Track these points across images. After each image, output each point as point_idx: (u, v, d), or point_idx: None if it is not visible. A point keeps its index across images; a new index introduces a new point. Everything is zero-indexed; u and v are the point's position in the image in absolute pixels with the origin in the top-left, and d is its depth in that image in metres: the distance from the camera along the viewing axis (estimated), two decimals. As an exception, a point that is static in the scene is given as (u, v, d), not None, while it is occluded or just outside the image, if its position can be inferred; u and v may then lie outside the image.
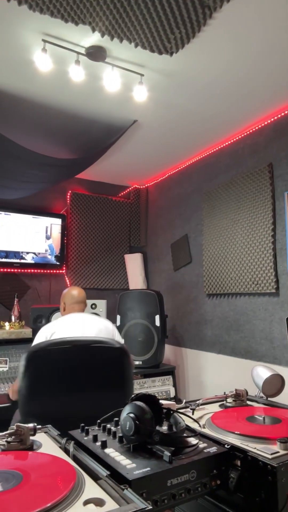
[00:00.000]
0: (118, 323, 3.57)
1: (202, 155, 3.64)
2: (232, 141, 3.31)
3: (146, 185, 4.54)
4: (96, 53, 2.13)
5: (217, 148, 3.47)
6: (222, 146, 3.41)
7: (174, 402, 1.34)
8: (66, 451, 0.99)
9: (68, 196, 4.17)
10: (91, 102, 2.69)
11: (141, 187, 4.57)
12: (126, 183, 4.51)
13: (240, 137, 3.22)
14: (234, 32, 2.00)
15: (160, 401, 1.12)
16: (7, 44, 2.09)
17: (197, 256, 3.66)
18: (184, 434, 1.04)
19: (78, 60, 2.17)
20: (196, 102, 2.71)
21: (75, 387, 1.75)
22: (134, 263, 4.35)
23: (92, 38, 2.04)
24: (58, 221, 4.01)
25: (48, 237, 3.96)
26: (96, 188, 4.34)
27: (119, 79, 2.34)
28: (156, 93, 2.59)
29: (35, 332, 3.11)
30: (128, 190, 4.56)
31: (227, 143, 3.35)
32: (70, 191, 4.16)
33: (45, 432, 1.14)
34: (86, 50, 2.12)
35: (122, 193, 4.54)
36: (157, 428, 1.03)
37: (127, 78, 2.37)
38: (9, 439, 1.01)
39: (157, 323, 3.42)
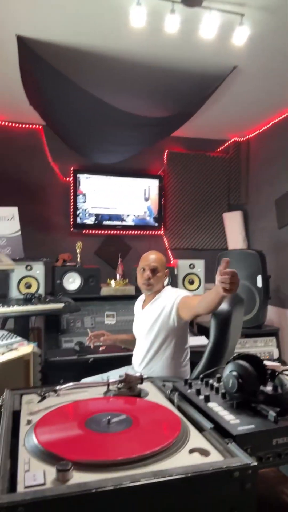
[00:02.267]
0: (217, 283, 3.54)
1: (312, 97, 3.22)
2: None
3: (247, 137, 4.24)
4: (192, -2, 1.98)
5: None
6: None
7: (279, 364, 1.30)
8: (171, 401, 1.04)
9: (164, 156, 4.14)
10: (185, 53, 2.55)
11: (241, 139, 4.28)
12: (225, 136, 4.27)
13: None
14: None
15: (264, 361, 1.09)
16: (101, 5, 2.07)
17: (305, 212, 3.35)
18: (291, 396, 1.01)
19: (173, 9, 2.06)
20: (306, 35, 2.37)
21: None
22: (233, 222, 4.20)
23: (186, -20, 1.89)
24: (156, 182, 4.04)
25: (146, 199, 4.03)
26: (192, 145, 4.22)
27: (217, 22, 2.16)
28: (258, 34, 2.33)
29: (137, 289, 3.28)
30: (227, 144, 4.33)
31: None
32: (166, 151, 4.12)
33: (151, 382, 1.21)
34: (182, -4, 1.99)
35: (220, 148, 4.32)
36: (261, 388, 1.01)
37: (225, 20, 2.17)
38: (119, 386, 1.10)
39: (259, 284, 3.29)
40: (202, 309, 1.74)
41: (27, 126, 3.75)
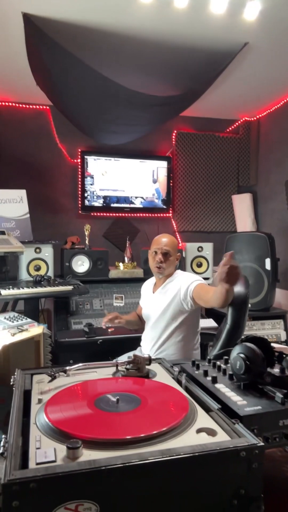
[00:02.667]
0: (226, 265, 3.53)
1: None
2: None
3: (258, 117, 4.14)
4: None
5: None
6: None
7: (286, 346, 1.30)
8: (178, 382, 1.05)
9: (173, 137, 4.07)
10: (195, 29, 2.47)
11: (252, 119, 4.18)
12: (235, 116, 4.18)
13: None
14: None
15: (272, 344, 1.10)
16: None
17: (316, 193, 3.30)
18: (298, 379, 1.01)
19: (182, -20, 1.98)
20: None
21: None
22: (242, 204, 4.15)
23: None
24: (164, 163, 3.99)
25: (154, 181, 3.99)
26: (201, 125, 4.14)
27: (228, -5, 2.09)
28: (269, 9, 2.25)
29: (146, 272, 3.29)
30: (237, 124, 4.24)
31: None
32: (175, 131, 4.05)
33: (159, 363, 1.23)
34: None
35: (230, 128, 4.24)
36: (269, 370, 1.02)
37: (236, -8, 2.09)
38: (128, 366, 1.11)
39: (267, 266, 3.27)
40: (215, 303, 1.74)
41: (34, 107, 3.71)
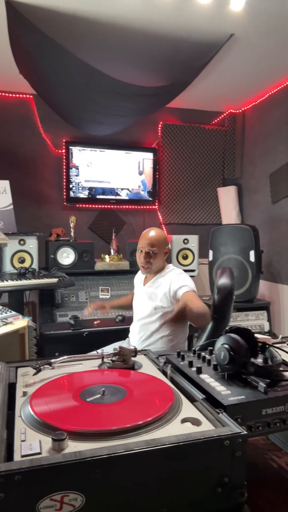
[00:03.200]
0: (210, 258, 3.56)
1: (311, 67, 3.14)
2: None
3: (243, 109, 4.15)
4: None
5: None
6: None
7: (269, 337, 1.32)
8: (164, 373, 1.06)
9: (159, 128, 4.05)
10: (181, 19, 2.45)
11: (237, 111, 4.19)
12: (221, 108, 4.18)
13: None
14: None
15: (255, 334, 1.11)
16: None
17: (299, 186, 3.34)
18: (281, 368, 1.04)
19: None
20: (306, 1, 2.28)
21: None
22: (227, 197, 4.18)
23: None
24: (150, 155, 3.97)
25: (140, 173, 3.97)
26: (188, 117, 4.12)
27: (214, -16, 2.07)
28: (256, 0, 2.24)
29: (132, 264, 3.29)
30: (222, 116, 4.24)
31: None
32: (161, 122, 4.03)
33: (144, 355, 1.23)
34: None
35: (215, 120, 4.24)
36: (252, 360, 1.03)
37: (223, -19, 2.07)
38: (113, 358, 1.12)
39: (252, 258, 3.32)
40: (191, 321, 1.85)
41: (17, 95, 3.63)
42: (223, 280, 1.89)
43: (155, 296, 1.99)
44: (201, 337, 1.94)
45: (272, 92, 3.66)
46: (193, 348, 1.21)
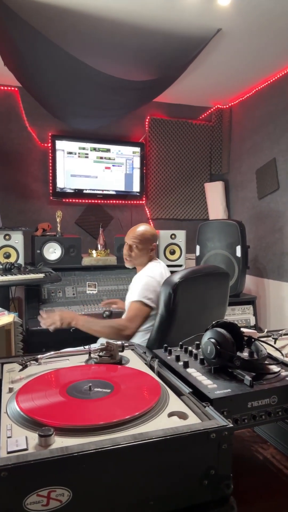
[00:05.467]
0: (197, 253, 3.58)
1: (297, 64, 3.16)
2: None
3: (230, 105, 4.17)
4: None
5: (315, 54, 2.97)
6: None
7: (255, 331, 1.34)
8: (151, 367, 1.07)
9: (146, 122, 4.03)
10: (169, 13, 2.43)
11: (224, 107, 4.20)
12: (208, 103, 4.18)
13: None
14: None
15: (241, 329, 1.12)
16: None
17: (286, 182, 3.38)
18: (266, 362, 1.05)
19: None
20: (293, -3, 2.29)
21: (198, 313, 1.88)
22: (214, 192, 4.19)
23: None
24: (137, 149, 3.95)
25: (128, 168, 3.95)
26: (175, 112, 4.12)
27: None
28: (244, -9, 2.24)
29: (119, 259, 3.28)
30: (209, 111, 4.25)
31: None
32: (148, 117, 4.02)
33: (132, 350, 1.24)
34: None
35: (203, 116, 4.24)
36: (238, 354, 1.05)
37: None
38: (100, 354, 1.11)
39: (238, 253, 3.35)
40: None
41: (1, 88, 3.56)
42: (170, 277, 1.84)
43: (130, 291, 2.05)
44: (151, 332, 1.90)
45: (259, 88, 3.68)
46: (180, 343, 1.21)
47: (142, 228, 2.09)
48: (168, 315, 1.77)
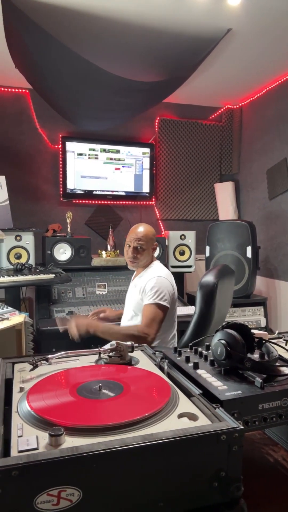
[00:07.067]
0: (207, 254, 3.56)
1: (308, 62, 3.13)
2: None
3: (240, 104, 4.14)
4: None
5: None
6: None
7: (266, 332, 1.33)
8: (161, 368, 1.06)
9: (156, 123, 4.03)
10: (178, 14, 2.43)
11: (235, 107, 4.18)
12: (218, 103, 4.16)
13: None
14: None
15: (252, 330, 1.12)
16: None
17: (296, 182, 3.34)
18: (277, 364, 1.04)
19: None
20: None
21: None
22: (224, 193, 4.17)
23: None
24: (147, 150, 3.95)
25: (137, 169, 3.96)
26: (185, 112, 4.11)
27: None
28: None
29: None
30: (219, 111, 4.23)
31: None
32: (158, 118, 4.02)
33: (141, 350, 1.23)
34: None
35: (213, 116, 4.23)
36: (249, 355, 1.04)
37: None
38: (110, 354, 1.12)
39: (249, 254, 3.32)
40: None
41: (12, 90, 3.60)
42: (206, 277, 1.88)
43: (135, 292, 2.03)
44: (185, 333, 1.93)
45: (270, 87, 3.65)
46: (189, 344, 1.21)
47: (143, 228, 2.05)
48: (205, 317, 1.79)
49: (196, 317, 1.87)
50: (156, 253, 2.16)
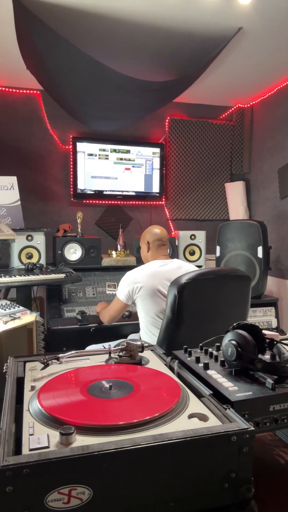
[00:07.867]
0: (218, 254, 3.54)
1: None
2: None
3: (251, 103, 4.11)
4: None
5: None
6: None
7: (277, 333, 1.32)
8: (171, 368, 1.06)
9: (166, 123, 4.03)
10: (188, 13, 2.42)
11: (245, 106, 4.15)
12: (229, 102, 4.14)
13: None
14: None
15: (263, 331, 1.11)
16: None
17: (308, 181, 3.30)
18: (288, 365, 1.03)
19: None
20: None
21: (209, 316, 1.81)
22: (235, 192, 4.14)
23: None
24: (157, 150, 3.95)
25: (147, 169, 3.96)
26: (195, 112, 4.09)
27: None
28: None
29: (139, 260, 3.29)
30: (230, 110, 4.20)
31: None
32: (168, 117, 4.01)
33: (151, 350, 1.24)
34: None
35: (223, 115, 4.20)
36: (260, 356, 1.03)
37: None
38: (120, 354, 1.12)
39: (260, 254, 3.29)
40: None
41: (24, 91, 3.63)
42: (180, 278, 1.76)
43: None
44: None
45: (281, 86, 3.62)
46: (200, 344, 1.20)
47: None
48: (174, 317, 1.72)
49: (165, 319, 1.79)
50: (147, 253, 2.19)
